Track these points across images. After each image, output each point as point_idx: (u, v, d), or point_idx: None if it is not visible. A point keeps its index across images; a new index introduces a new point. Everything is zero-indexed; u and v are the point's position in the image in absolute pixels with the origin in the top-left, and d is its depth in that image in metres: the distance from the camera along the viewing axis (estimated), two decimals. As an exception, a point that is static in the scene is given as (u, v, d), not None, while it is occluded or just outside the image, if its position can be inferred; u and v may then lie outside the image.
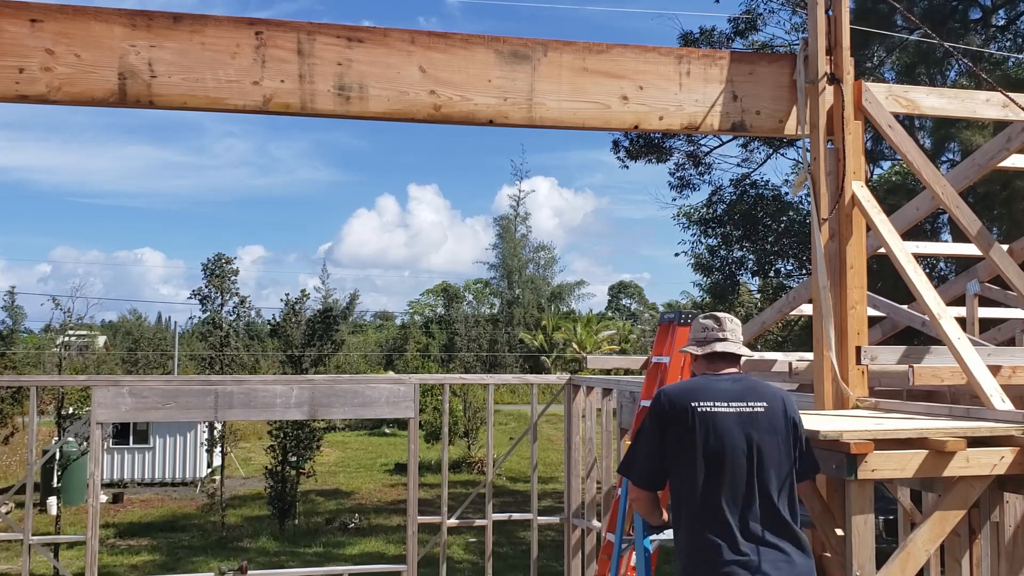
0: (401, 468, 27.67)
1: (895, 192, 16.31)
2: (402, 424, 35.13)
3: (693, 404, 3.36)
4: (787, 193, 20.45)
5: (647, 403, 4.24)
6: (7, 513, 18.54)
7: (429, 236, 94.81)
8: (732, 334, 3.60)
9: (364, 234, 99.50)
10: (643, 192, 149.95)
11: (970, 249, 7.91)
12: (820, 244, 4.86)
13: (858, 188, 4.90)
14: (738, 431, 3.32)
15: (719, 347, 3.56)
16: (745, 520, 3.25)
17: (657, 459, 3.42)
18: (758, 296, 24.65)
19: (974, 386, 4.35)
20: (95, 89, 4.44)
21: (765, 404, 3.41)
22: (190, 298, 25.24)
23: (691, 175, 21.27)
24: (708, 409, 3.35)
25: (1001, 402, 4.21)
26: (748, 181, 21.04)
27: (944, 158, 17.97)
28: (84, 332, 32.15)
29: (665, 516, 3.73)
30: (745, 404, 3.38)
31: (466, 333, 48.30)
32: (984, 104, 5.26)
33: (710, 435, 3.31)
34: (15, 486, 20.73)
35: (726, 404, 3.37)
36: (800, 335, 19.03)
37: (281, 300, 24.34)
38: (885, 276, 13.28)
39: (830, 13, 5.01)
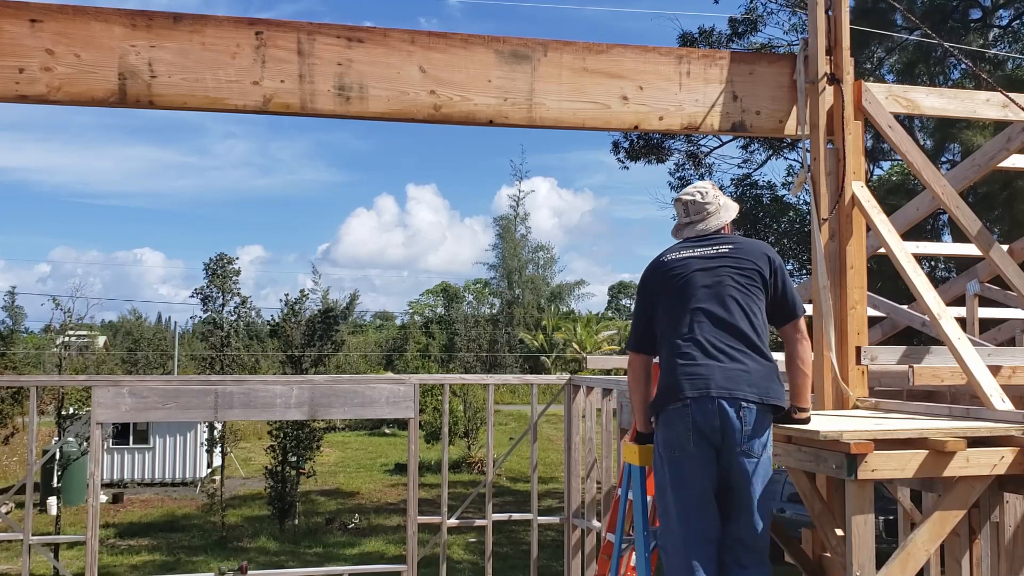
0: (401, 468, 27.67)
1: (895, 192, 16.32)
2: (402, 424, 35.13)
3: (664, 259, 3.88)
4: (787, 194, 20.47)
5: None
6: (7, 513, 18.54)
7: (428, 236, 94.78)
8: (698, 213, 3.99)
9: (362, 234, 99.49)
10: (643, 192, 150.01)
11: (970, 249, 7.92)
12: (820, 244, 4.86)
13: (858, 188, 4.90)
14: (699, 264, 3.77)
15: (685, 232, 4.01)
16: (705, 339, 3.62)
17: (645, 320, 3.85)
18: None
19: (974, 386, 4.35)
20: (95, 89, 4.44)
21: (732, 245, 3.86)
22: (191, 297, 25.26)
23: (691, 176, 21.27)
24: (675, 256, 3.86)
25: (1001, 402, 4.21)
26: (748, 182, 21.04)
27: (944, 158, 17.96)
28: (84, 332, 32.11)
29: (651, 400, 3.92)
30: (710, 247, 3.84)
31: (466, 333, 48.23)
32: (984, 104, 5.26)
33: (676, 273, 3.78)
34: (15, 486, 20.73)
35: (691, 250, 3.87)
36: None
37: (280, 300, 24.34)
38: (885, 276, 13.27)
39: (830, 13, 5.01)
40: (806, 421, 3.86)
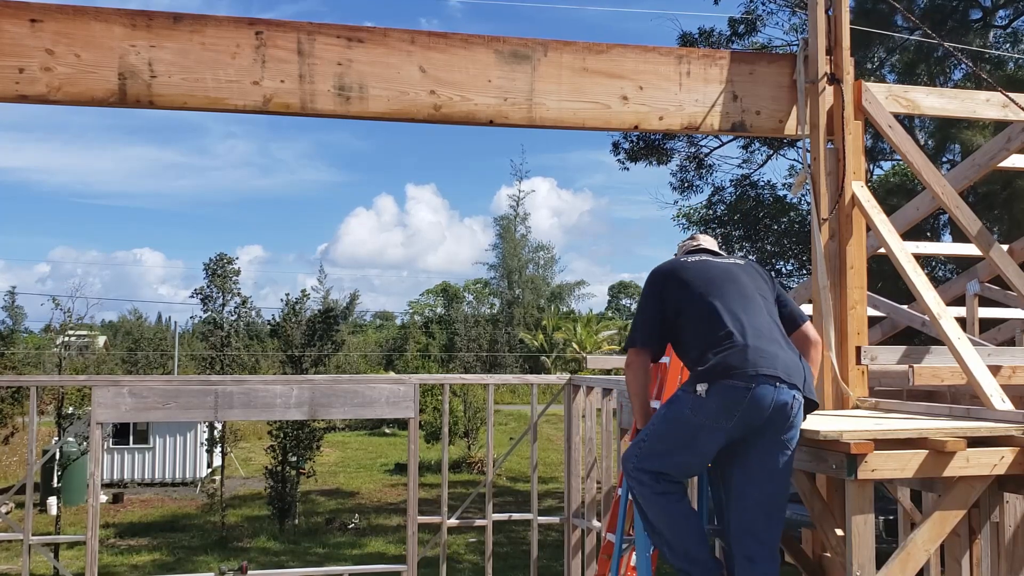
0: (401, 468, 27.67)
1: (895, 192, 16.31)
2: (402, 424, 35.13)
3: (683, 260, 3.96)
4: (787, 194, 20.47)
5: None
6: (7, 513, 18.54)
7: (427, 236, 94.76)
8: (707, 242, 4.18)
9: (362, 234, 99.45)
10: (642, 192, 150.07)
11: (970, 249, 7.92)
12: (820, 244, 4.86)
13: (858, 188, 4.90)
14: (722, 267, 3.88)
15: (696, 243, 4.16)
16: (761, 324, 3.65)
17: (658, 319, 3.83)
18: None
19: (974, 386, 4.35)
20: (95, 89, 4.44)
21: (742, 259, 4.06)
22: (191, 297, 25.24)
23: (692, 176, 21.28)
24: (695, 259, 3.95)
25: (1001, 402, 4.21)
26: (748, 182, 21.04)
27: (944, 158, 17.96)
28: (84, 332, 32.12)
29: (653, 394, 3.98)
30: (724, 258, 4.00)
31: (466, 333, 48.25)
32: (984, 104, 5.26)
33: (702, 269, 3.84)
34: (15, 486, 20.72)
35: (708, 256, 4.01)
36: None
37: (281, 300, 24.33)
38: (885, 276, 13.27)
39: (830, 13, 5.01)
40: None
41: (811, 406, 3.67)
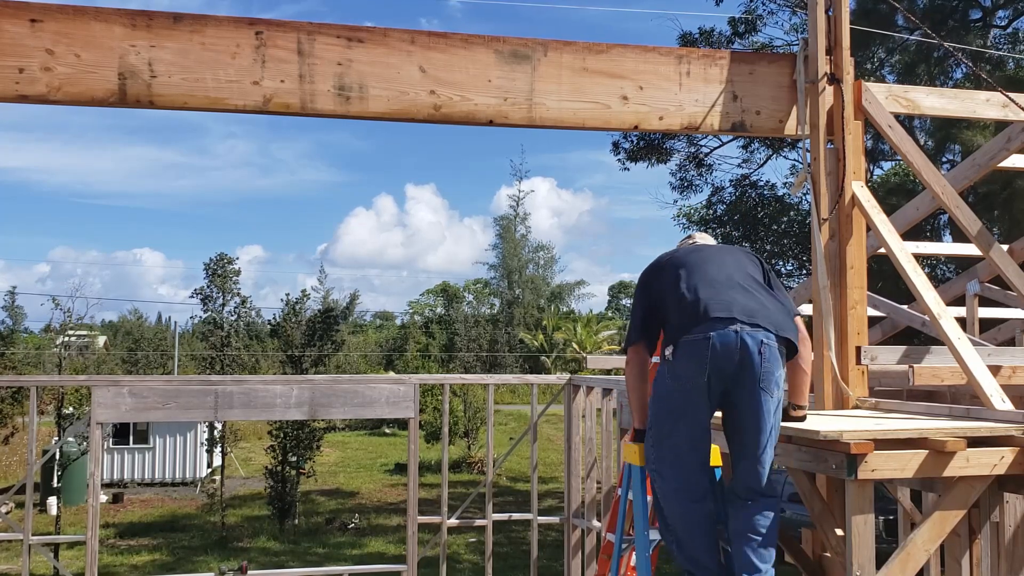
0: (401, 468, 27.67)
1: (895, 192, 16.32)
2: (402, 424, 35.13)
3: (667, 254, 3.98)
4: (787, 193, 20.47)
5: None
6: (7, 513, 18.54)
7: (427, 236, 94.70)
8: (702, 239, 4.22)
9: (361, 234, 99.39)
10: (642, 192, 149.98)
11: (970, 249, 7.92)
12: (820, 244, 4.86)
13: (858, 188, 4.90)
14: (706, 251, 3.91)
15: (692, 241, 4.19)
16: (726, 276, 3.69)
17: (647, 309, 3.85)
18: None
19: (974, 386, 4.35)
20: (95, 89, 4.44)
21: (736, 246, 4.11)
22: (191, 297, 25.25)
23: (693, 176, 21.28)
24: (679, 251, 3.98)
25: (1001, 402, 4.21)
26: (748, 182, 21.04)
27: (944, 158, 17.96)
28: (84, 332, 32.12)
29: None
30: (710, 246, 4.02)
31: (466, 333, 48.24)
32: (984, 104, 5.26)
33: (683, 254, 3.88)
34: (15, 486, 20.72)
35: (692, 245, 4.05)
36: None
37: (281, 300, 24.33)
38: (885, 276, 13.28)
39: (830, 13, 5.01)
40: (802, 419, 3.86)
41: (791, 347, 3.64)
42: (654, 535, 4.15)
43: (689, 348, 3.52)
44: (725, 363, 3.48)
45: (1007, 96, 5.20)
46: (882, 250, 5.51)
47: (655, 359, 4.49)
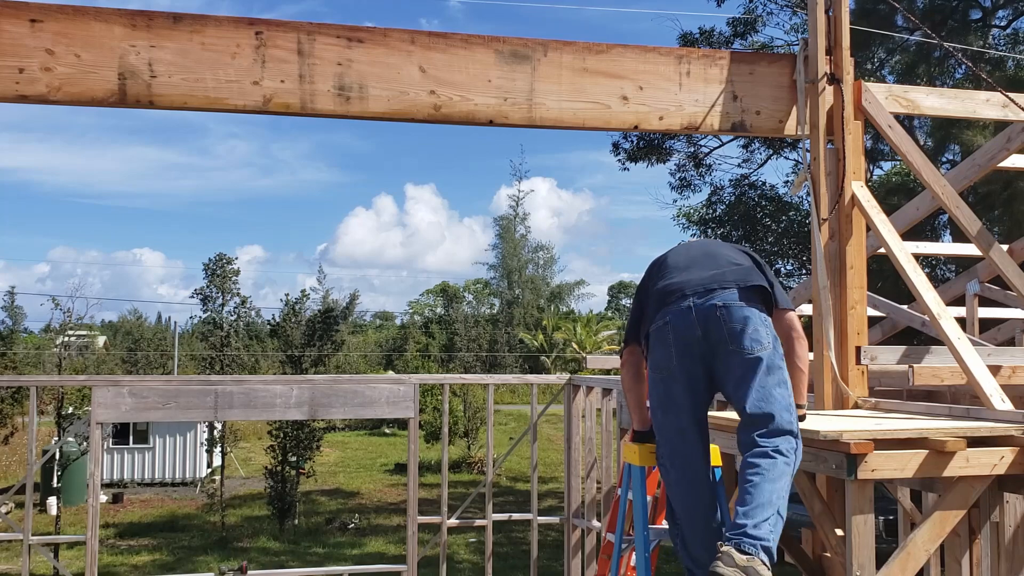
0: (401, 468, 27.67)
1: (895, 192, 16.33)
2: (402, 424, 35.13)
3: (659, 256, 3.91)
4: (787, 193, 20.47)
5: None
6: (7, 513, 18.54)
7: (426, 236, 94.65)
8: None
9: (361, 234, 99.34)
10: (642, 193, 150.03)
11: (970, 249, 7.92)
12: (820, 244, 4.86)
13: (858, 188, 4.90)
14: (689, 248, 3.89)
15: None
16: (689, 258, 3.70)
17: (640, 313, 3.79)
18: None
19: (974, 386, 4.35)
20: (95, 89, 4.44)
21: (717, 242, 4.04)
22: (191, 297, 25.28)
23: (692, 176, 21.28)
24: (668, 252, 3.91)
25: (1001, 402, 4.21)
26: (748, 182, 21.04)
27: (944, 158, 17.97)
28: (84, 332, 32.13)
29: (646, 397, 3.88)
30: (696, 242, 4.01)
31: (466, 333, 48.21)
32: (984, 104, 5.26)
33: (666, 259, 3.82)
34: (15, 486, 20.72)
35: (682, 244, 4.04)
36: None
37: (281, 300, 24.34)
38: (885, 276, 13.29)
39: (830, 13, 5.01)
40: (801, 419, 3.86)
41: (765, 295, 3.57)
42: (654, 535, 4.15)
43: (656, 336, 3.56)
44: (689, 341, 3.45)
45: (1007, 96, 5.20)
46: (882, 250, 5.51)
47: None
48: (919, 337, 9.97)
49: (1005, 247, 7.34)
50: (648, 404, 3.76)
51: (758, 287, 3.57)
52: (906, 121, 16.03)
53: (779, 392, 3.41)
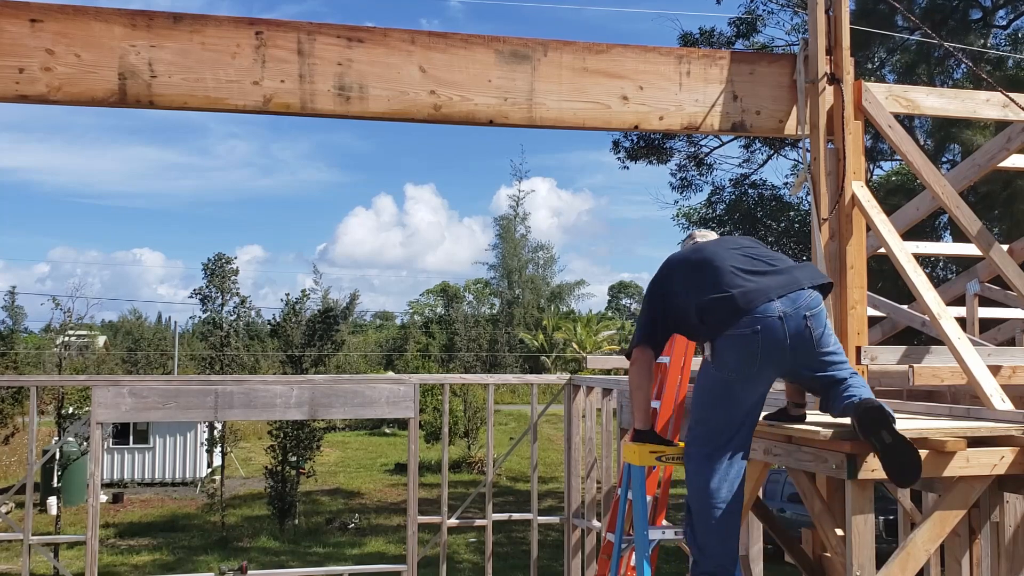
0: (401, 468, 27.67)
1: (895, 192, 16.33)
2: (402, 424, 35.12)
3: (676, 257, 3.95)
4: (787, 193, 20.47)
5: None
6: (7, 513, 18.54)
7: (426, 236, 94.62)
8: (703, 236, 4.17)
9: (361, 234, 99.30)
10: (642, 192, 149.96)
11: (970, 249, 7.92)
12: (820, 244, 4.86)
13: (858, 188, 4.90)
14: (718, 246, 3.85)
15: (693, 241, 4.11)
16: (727, 276, 3.64)
17: (659, 309, 3.83)
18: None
19: (974, 386, 4.35)
20: (95, 89, 4.44)
21: (731, 238, 4.04)
22: (191, 297, 25.27)
23: (693, 175, 21.28)
24: (687, 252, 3.93)
25: (1001, 402, 4.21)
26: (748, 181, 21.04)
27: (945, 158, 17.97)
28: (84, 332, 32.12)
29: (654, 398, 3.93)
30: (714, 240, 4.02)
31: (466, 333, 48.21)
32: (984, 104, 5.26)
33: (695, 259, 3.81)
34: (15, 486, 20.72)
35: (695, 244, 4.01)
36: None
37: (281, 300, 24.34)
38: (885, 276, 13.29)
39: (830, 13, 5.01)
40: (802, 419, 3.86)
41: (826, 287, 3.69)
42: (654, 535, 4.15)
43: (736, 342, 3.52)
44: (774, 349, 3.51)
45: (1007, 96, 5.20)
46: (882, 250, 5.52)
47: (664, 359, 4.52)
48: (919, 337, 9.98)
49: (1005, 247, 7.34)
50: (696, 406, 3.75)
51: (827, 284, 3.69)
52: (906, 121, 16.03)
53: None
